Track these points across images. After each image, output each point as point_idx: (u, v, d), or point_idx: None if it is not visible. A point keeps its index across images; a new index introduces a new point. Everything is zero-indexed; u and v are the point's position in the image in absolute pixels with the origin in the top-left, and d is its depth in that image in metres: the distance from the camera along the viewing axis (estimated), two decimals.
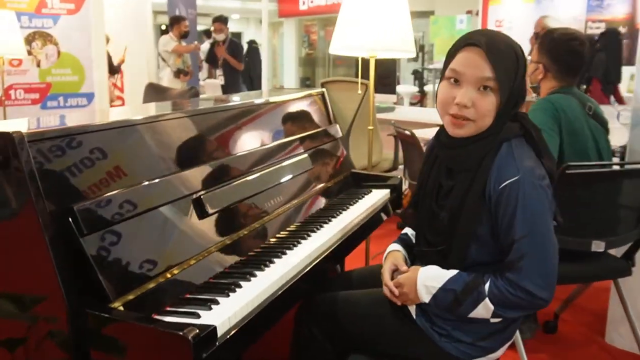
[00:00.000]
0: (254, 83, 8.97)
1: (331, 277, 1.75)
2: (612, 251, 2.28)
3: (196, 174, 1.50)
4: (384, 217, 2.12)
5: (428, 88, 10.62)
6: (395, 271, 1.51)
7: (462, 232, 1.36)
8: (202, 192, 1.47)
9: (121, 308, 1.14)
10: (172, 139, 1.50)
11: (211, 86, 5.67)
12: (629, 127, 2.98)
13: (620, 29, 8.31)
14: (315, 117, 2.25)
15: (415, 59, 11.22)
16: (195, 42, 6.84)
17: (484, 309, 1.34)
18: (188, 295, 1.29)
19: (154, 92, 4.31)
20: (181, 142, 1.52)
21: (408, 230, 1.64)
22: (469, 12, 10.67)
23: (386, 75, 4.97)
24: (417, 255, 1.55)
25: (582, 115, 2.25)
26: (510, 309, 1.34)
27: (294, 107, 2.13)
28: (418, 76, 10.91)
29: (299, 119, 2.14)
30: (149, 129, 1.43)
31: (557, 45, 2.28)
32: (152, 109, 1.86)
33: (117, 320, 1.09)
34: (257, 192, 1.67)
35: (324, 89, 2.34)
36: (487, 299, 1.33)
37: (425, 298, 1.40)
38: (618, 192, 2.17)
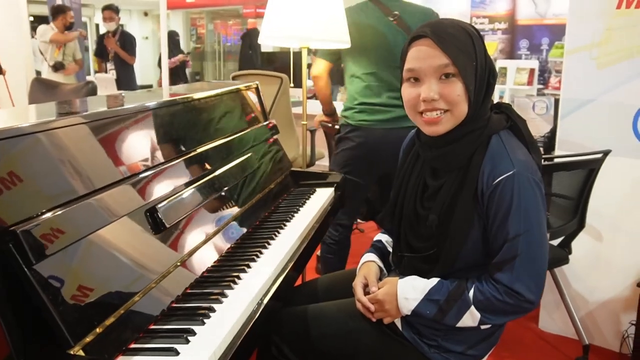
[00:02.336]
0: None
1: (294, 288, 1.59)
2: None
3: (142, 184, 1.28)
4: (333, 215, 2.00)
5: None
6: (367, 286, 1.39)
7: (454, 235, 1.25)
8: (155, 204, 1.26)
9: (81, 353, 0.92)
10: (108, 142, 1.26)
11: (103, 81, 5.21)
12: (547, 117, 3.09)
13: (502, 24, 8.77)
14: (252, 112, 2.07)
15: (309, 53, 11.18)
16: (80, 30, 6.21)
17: (470, 317, 1.25)
18: (153, 326, 1.09)
19: (43, 88, 3.87)
20: (117, 147, 1.29)
21: (382, 237, 1.52)
22: None
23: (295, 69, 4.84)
24: (395, 263, 1.44)
25: (378, 22, 2.34)
26: (497, 314, 1.25)
27: (230, 102, 1.94)
28: None
29: (236, 115, 1.95)
30: (82, 130, 1.19)
31: None
32: (93, 106, 1.59)
33: None
34: (208, 199, 1.48)
35: (257, 82, 2.16)
36: (472, 307, 1.24)
37: (407, 311, 1.29)
38: (557, 183, 2.20)
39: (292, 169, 2.18)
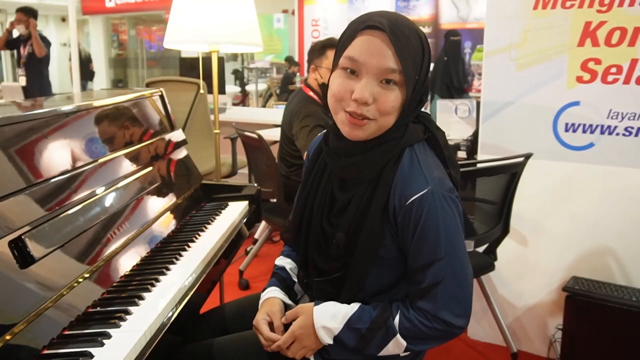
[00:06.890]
0: None
1: (199, 317, 1.43)
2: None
3: (8, 207, 1.09)
4: (247, 232, 1.85)
5: (250, 87, 10.46)
6: (271, 323, 1.23)
7: (362, 255, 1.12)
8: (22, 232, 1.07)
9: None
10: None
11: (10, 90, 4.81)
12: (469, 120, 3.06)
13: (426, 28, 8.87)
14: (156, 121, 1.89)
15: (235, 58, 11.00)
16: None
17: (395, 345, 1.13)
18: None
19: None
20: None
21: (284, 262, 1.37)
22: (284, 11, 10.72)
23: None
24: (304, 289, 1.30)
25: None
26: (425, 341, 1.14)
27: (129, 111, 1.75)
28: (239, 76, 10.69)
29: (137, 125, 1.77)
30: None
31: None
32: None
33: None
34: (95, 222, 1.30)
35: (161, 89, 1.99)
36: (398, 335, 1.12)
37: (328, 340, 1.15)
38: (480, 188, 2.14)
39: (204, 181, 2.02)
